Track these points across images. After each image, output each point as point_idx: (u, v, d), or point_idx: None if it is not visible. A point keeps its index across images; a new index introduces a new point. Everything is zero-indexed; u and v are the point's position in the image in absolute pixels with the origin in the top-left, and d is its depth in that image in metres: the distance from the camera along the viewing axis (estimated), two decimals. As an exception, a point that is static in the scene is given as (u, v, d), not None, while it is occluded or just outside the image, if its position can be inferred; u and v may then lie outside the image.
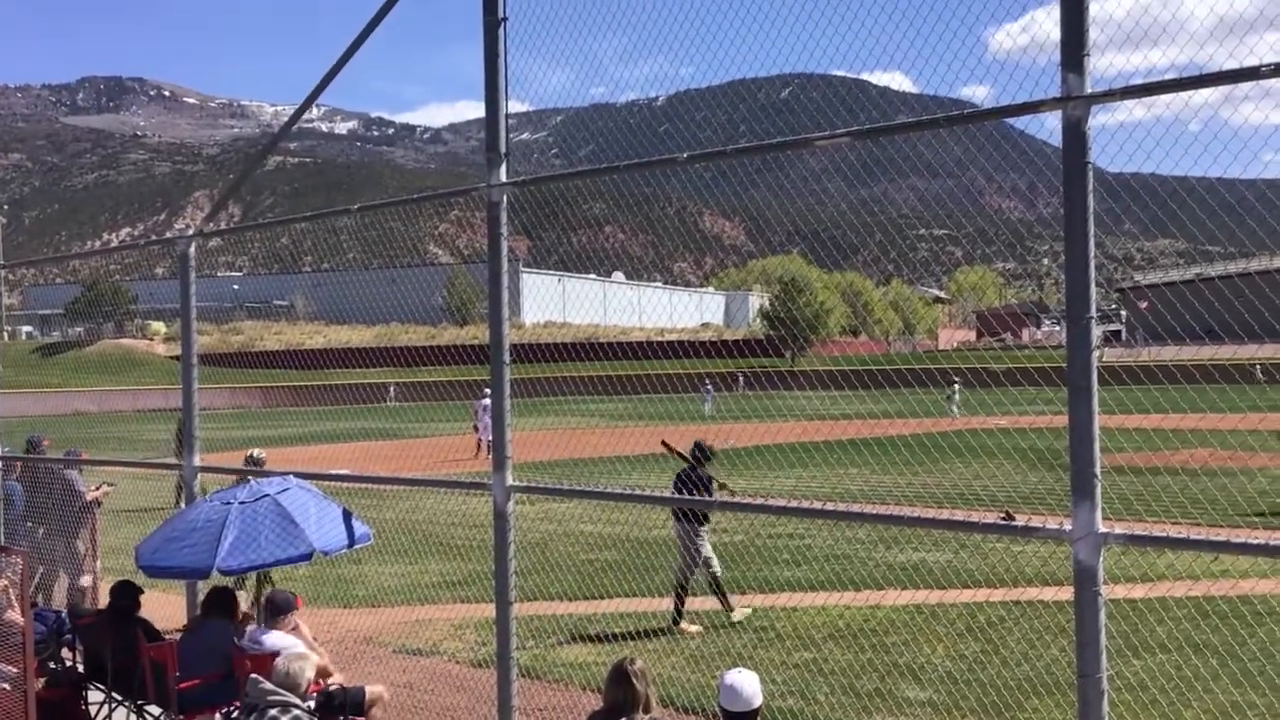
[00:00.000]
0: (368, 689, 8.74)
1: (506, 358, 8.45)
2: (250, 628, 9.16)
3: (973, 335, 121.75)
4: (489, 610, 8.46)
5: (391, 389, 57.33)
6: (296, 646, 8.30)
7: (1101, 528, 5.87)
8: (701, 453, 13.91)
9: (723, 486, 14.03)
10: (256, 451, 14.64)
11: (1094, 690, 5.80)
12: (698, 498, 12.26)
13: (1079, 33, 5.75)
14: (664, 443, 13.88)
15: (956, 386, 47.95)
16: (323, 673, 8.56)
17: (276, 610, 8.96)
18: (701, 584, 13.50)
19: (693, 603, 13.29)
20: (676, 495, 12.64)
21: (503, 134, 8.57)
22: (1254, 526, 17.07)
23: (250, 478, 9.56)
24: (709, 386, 55.10)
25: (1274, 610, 12.40)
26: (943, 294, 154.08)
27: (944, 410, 46.55)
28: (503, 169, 8.48)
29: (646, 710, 6.42)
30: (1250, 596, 12.87)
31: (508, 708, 8.24)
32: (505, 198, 8.51)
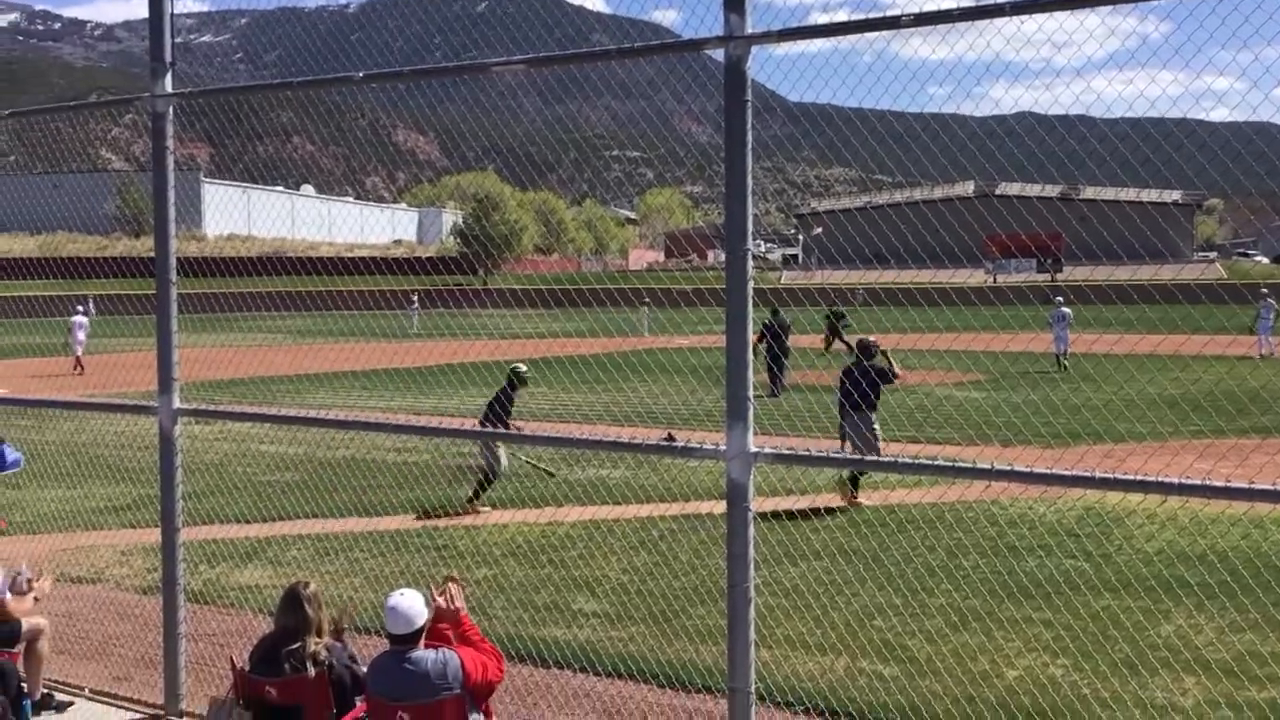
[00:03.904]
0: (25, 621, 8.33)
1: (173, 276, 8.16)
2: None
3: (662, 256, 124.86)
4: (158, 535, 8.24)
5: (90, 302, 53.00)
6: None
7: (753, 447, 6.26)
8: (515, 380, 15.45)
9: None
10: None
11: (741, 599, 6.23)
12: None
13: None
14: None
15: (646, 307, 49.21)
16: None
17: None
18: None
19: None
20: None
21: (168, 41, 8.17)
22: (912, 440, 18.32)
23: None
24: (415, 303, 53.78)
25: (917, 518, 13.45)
26: (634, 215, 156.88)
27: (635, 328, 47.69)
28: (168, 79, 8.10)
29: (319, 635, 6.43)
30: (897, 506, 13.91)
31: (174, 634, 8.08)
32: (171, 109, 8.15)
